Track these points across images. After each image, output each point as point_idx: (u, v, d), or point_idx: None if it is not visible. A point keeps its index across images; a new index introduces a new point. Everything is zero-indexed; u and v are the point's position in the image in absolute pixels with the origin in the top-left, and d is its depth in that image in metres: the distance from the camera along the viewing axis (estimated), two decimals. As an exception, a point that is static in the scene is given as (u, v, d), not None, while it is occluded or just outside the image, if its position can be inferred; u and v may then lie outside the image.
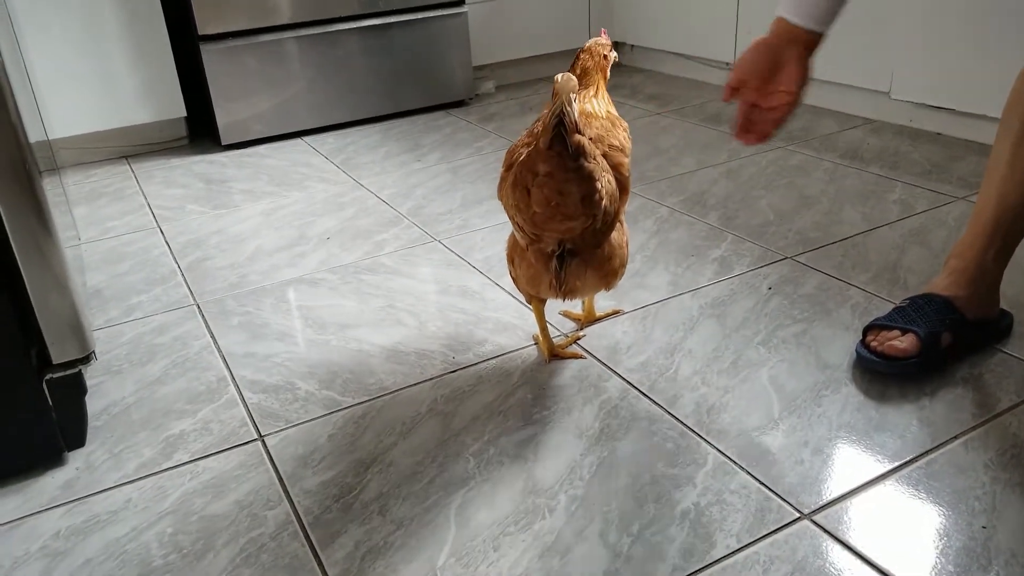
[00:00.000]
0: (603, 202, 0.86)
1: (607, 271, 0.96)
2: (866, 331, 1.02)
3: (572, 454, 0.88)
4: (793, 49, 0.90)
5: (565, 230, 0.88)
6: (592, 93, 1.02)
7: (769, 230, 1.40)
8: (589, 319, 1.15)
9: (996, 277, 1.02)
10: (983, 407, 0.92)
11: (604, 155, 0.92)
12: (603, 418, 0.94)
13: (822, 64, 2.13)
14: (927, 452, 0.86)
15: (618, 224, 0.96)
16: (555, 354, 1.06)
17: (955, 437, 0.88)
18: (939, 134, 1.82)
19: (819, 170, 1.66)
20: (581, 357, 1.06)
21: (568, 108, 0.80)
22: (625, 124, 1.02)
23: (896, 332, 0.98)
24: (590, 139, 0.88)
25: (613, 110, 1.04)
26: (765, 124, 0.92)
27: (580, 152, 0.82)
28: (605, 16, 2.59)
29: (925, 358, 0.97)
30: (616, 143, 0.97)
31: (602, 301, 1.19)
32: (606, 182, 0.87)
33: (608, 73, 1.05)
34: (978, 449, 0.86)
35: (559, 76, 0.81)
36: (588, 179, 0.84)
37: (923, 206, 1.46)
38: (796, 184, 1.59)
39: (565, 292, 0.95)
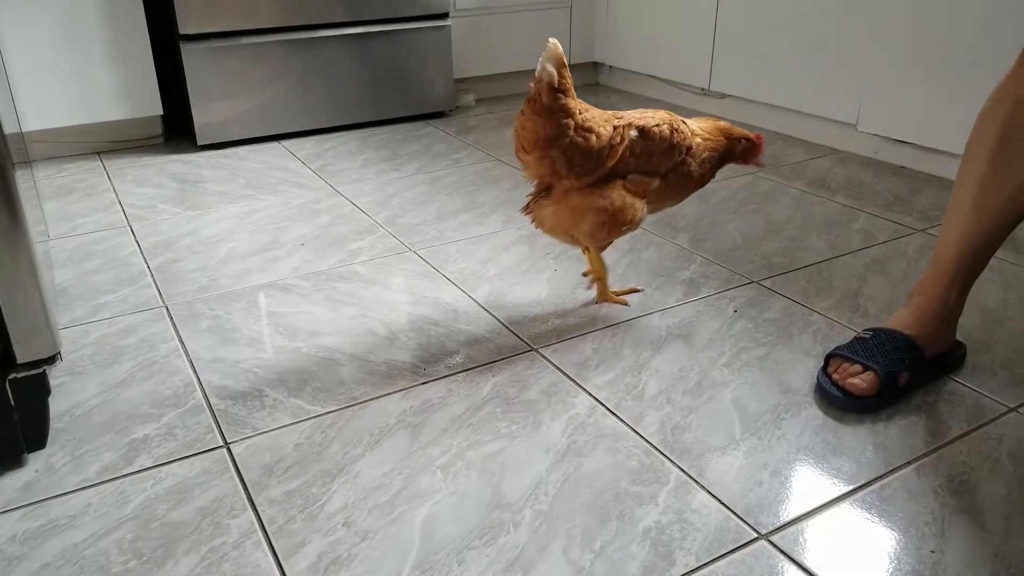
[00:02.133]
0: (557, 150, 1.05)
1: (572, 218, 1.10)
2: (828, 359, 1.05)
3: (538, 469, 0.90)
4: None
5: (527, 162, 1.09)
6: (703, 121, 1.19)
7: (737, 254, 1.43)
8: (599, 292, 1.25)
9: (957, 313, 1.05)
10: (935, 434, 0.95)
11: (616, 126, 1.09)
12: (570, 434, 0.95)
13: (794, 95, 2.20)
14: (881, 476, 0.88)
15: (617, 192, 1.10)
16: (605, 298, 1.24)
17: (908, 463, 0.91)
18: (902, 167, 1.88)
19: (787, 197, 1.70)
20: (626, 304, 1.25)
21: (548, 68, 1.01)
22: (687, 136, 1.14)
23: (857, 368, 1.01)
24: (619, 116, 1.10)
25: (684, 123, 1.16)
26: None
27: (549, 107, 1.03)
28: (586, 37, 2.62)
29: (882, 398, 1.00)
30: (637, 120, 1.11)
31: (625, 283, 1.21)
32: (577, 136, 1.05)
33: (731, 151, 1.20)
34: (929, 475, 0.88)
35: (550, 40, 1.02)
36: (546, 125, 1.04)
37: (884, 236, 1.50)
38: (764, 210, 1.63)
39: (532, 219, 1.15)
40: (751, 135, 1.20)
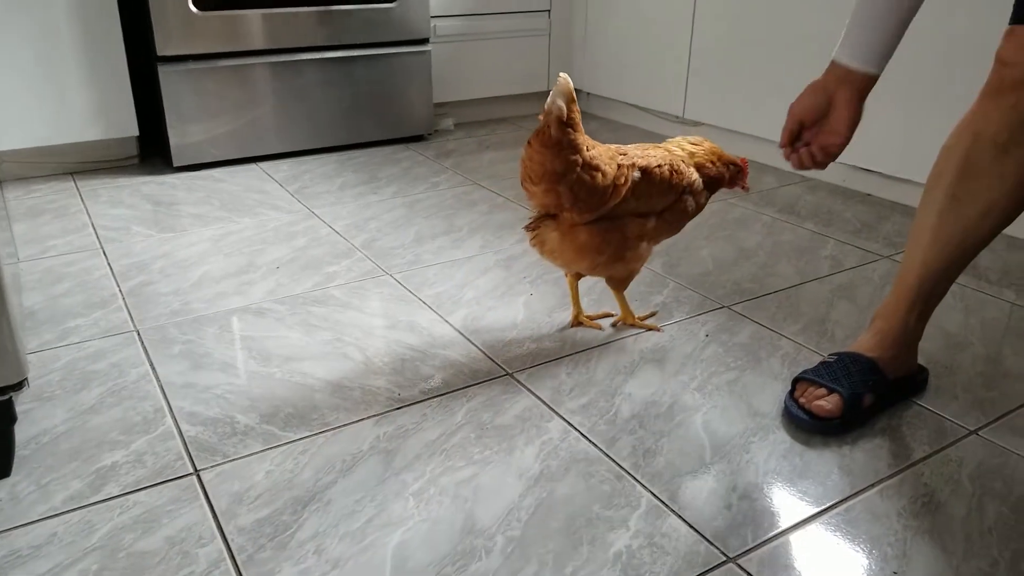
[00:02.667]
0: (564, 185, 1.06)
1: (576, 254, 1.13)
2: (795, 383, 1.07)
3: (511, 495, 0.90)
4: (846, 91, 0.97)
5: (532, 192, 1.10)
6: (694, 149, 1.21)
7: (709, 279, 1.45)
8: (576, 318, 1.29)
9: (917, 337, 1.08)
10: (898, 457, 0.97)
11: (621, 164, 1.11)
12: (543, 459, 0.96)
13: (766, 123, 2.23)
14: (846, 499, 0.90)
15: (619, 236, 1.13)
16: (579, 321, 1.28)
17: (872, 485, 0.92)
18: (869, 195, 1.92)
19: (758, 224, 1.74)
20: (598, 328, 1.27)
21: (559, 102, 1.01)
22: (685, 175, 1.17)
23: (823, 391, 1.03)
24: (623, 153, 1.12)
25: (685, 162, 1.18)
26: (816, 162, 1.01)
27: (558, 141, 1.03)
28: (565, 63, 2.66)
29: (847, 419, 1.02)
30: (640, 160, 1.13)
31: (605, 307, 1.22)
32: (584, 174, 1.06)
33: (722, 178, 1.22)
34: (892, 497, 0.90)
35: (561, 75, 1.03)
36: (554, 160, 1.04)
37: (852, 263, 1.53)
38: (736, 236, 1.66)
39: (534, 239, 1.16)
40: (737, 160, 1.23)
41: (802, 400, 1.03)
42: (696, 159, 1.20)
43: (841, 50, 0.98)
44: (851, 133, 0.99)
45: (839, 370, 1.04)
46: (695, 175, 1.18)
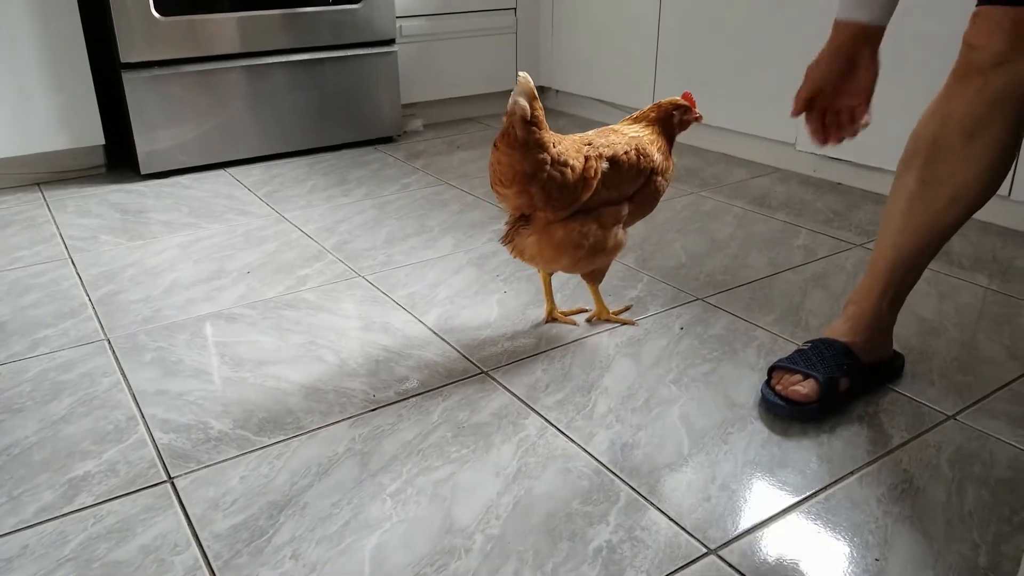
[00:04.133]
0: (535, 185, 1.05)
1: (554, 251, 1.12)
2: (771, 372, 1.07)
3: (489, 493, 0.89)
4: (864, 48, 0.97)
5: (504, 195, 1.09)
6: (641, 127, 1.20)
7: (682, 272, 1.46)
8: (551, 314, 1.28)
9: (890, 322, 1.09)
10: (877, 444, 0.98)
11: (588, 156, 1.09)
12: (521, 456, 0.95)
13: (735, 116, 2.25)
14: (826, 487, 0.90)
15: (595, 227, 1.11)
16: (553, 317, 1.27)
17: (851, 472, 0.93)
18: (839, 184, 1.94)
19: (729, 215, 1.74)
20: (573, 323, 1.27)
21: (521, 102, 1.00)
22: (650, 153, 1.16)
23: (798, 377, 1.04)
24: (588, 143, 1.11)
25: (648, 143, 1.17)
26: (844, 126, 1.00)
27: (524, 141, 1.02)
28: (532, 60, 2.66)
29: (824, 402, 1.02)
30: (606, 149, 1.11)
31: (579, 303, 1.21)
32: (554, 171, 1.05)
33: (671, 126, 1.21)
34: (872, 484, 0.91)
35: (521, 74, 1.02)
36: (523, 160, 1.04)
37: (824, 252, 1.55)
38: (708, 228, 1.67)
39: (512, 249, 1.15)
40: (678, 100, 1.21)
41: (778, 387, 1.04)
42: (648, 127, 1.19)
43: (850, 10, 0.96)
44: (873, 88, 0.99)
45: (814, 356, 1.05)
46: (659, 156, 1.17)
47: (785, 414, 1.02)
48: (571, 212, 1.11)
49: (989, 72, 0.91)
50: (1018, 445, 0.97)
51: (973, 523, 0.85)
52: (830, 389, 1.02)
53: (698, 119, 1.22)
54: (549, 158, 1.05)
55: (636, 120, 1.21)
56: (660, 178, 1.18)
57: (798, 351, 1.07)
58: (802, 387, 1.02)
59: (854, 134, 1.02)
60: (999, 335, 1.23)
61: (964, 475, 0.92)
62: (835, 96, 1.00)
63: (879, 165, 1.81)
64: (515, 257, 1.17)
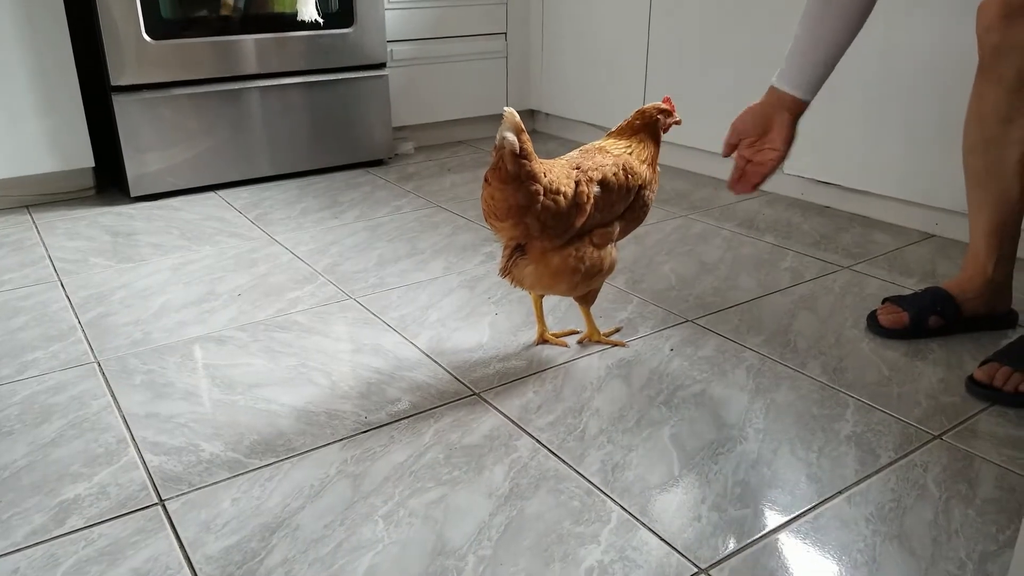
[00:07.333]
0: (531, 217, 1.06)
1: (552, 279, 1.14)
2: (883, 302, 1.33)
3: (481, 514, 0.90)
4: (782, 114, 1.12)
5: (500, 228, 1.10)
6: (626, 140, 1.22)
7: (672, 294, 1.47)
8: (542, 336, 1.30)
9: (1000, 281, 1.26)
10: (864, 463, 0.99)
11: (579, 181, 1.11)
12: (513, 477, 0.96)
13: (723, 140, 2.27)
14: (815, 507, 0.91)
15: (590, 250, 1.14)
16: (544, 339, 1.28)
17: (839, 492, 0.94)
18: (827, 207, 1.97)
19: (718, 238, 1.77)
20: (565, 345, 1.28)
21: (509, 137, 1.01)
22: (639, 170, 1.18)
23: (897, 308, 1.29)
24: (576, 167, 1.12)
25: (635, 159, 1.19)
26: (754, 176, 1.17)
27: (516, 175, 1.03)
28: (522, 85, 2.69)
29: (910, 331, 1.27)
30: (595, 173, 1.13)
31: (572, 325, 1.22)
32: (548, 200, 1.06)
33: (657, 131, 1.24)
34: (860, 503, 0.92)
35: (506, 109, 1.02)
36: (515, 194, 1.04)
37: (812, 274, 1.57)
38: (697, 251, 1.69)
39: (511, 279, 1.17)
40: (661, 105, 1.24)
41: (880, 316, 1.29)
42: (634, 136, 1.21)
43: (780, 78, 1.13)
44: (787, 149, 1.13)
45: (916, 298, 1.29)
46: (645, 169, 1.19)
47: (880, 334, 1.30)
48: (567, 239, 1.12)
49: (1001, 56, 1.05)
50: (1003, 464, 0.99)
51: (960, 541, 0.86)
52: (918, 322, 1.27)
53: (678, 123, 1.26)
54: (542, 188, 1.06)
55: (621, 132, 1.23)
56: (647, 191, 1.20)
57: (911, 294, 1.31)
58: (896, 316, 1.28)
59: (752, 187, 1.18)
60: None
61: (951, 494, 0.93)
62: (751, 149, 1.16)
63: (866, 189, 1.84)
64: (515, 287, 1.18)
